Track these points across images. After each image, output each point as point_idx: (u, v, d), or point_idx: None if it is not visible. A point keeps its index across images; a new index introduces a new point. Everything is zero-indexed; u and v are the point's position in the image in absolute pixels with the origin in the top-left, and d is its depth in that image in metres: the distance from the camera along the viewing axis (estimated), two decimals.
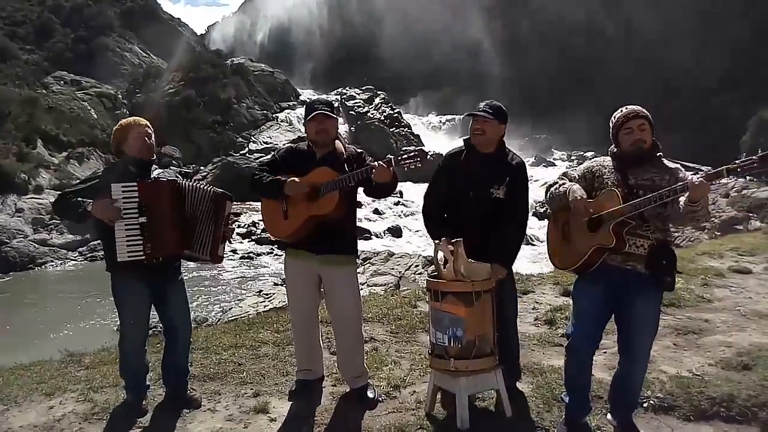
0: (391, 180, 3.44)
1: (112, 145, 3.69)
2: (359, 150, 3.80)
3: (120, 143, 3.57)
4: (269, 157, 3.86)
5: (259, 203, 3.79)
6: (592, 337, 3.24)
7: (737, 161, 2.75)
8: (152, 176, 3.58)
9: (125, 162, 3.55)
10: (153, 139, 3.62)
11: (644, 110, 3.12)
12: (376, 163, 3.41)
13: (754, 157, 2.67)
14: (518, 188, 3.62)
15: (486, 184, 3.57)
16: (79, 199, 3.33)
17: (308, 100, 4.23)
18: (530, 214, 4.10)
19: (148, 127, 3.61)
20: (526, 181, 3.71)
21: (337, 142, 3.70)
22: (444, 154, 3.86)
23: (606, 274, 3.10)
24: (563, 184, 3.21)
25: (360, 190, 3.67)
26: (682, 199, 2.89)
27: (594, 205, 3.08)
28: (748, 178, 20.00)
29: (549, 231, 3.38)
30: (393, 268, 11.53)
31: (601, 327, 3.25)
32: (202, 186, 3.60)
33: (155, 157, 3.71)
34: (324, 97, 31.79)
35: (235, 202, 3.65)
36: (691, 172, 2.98)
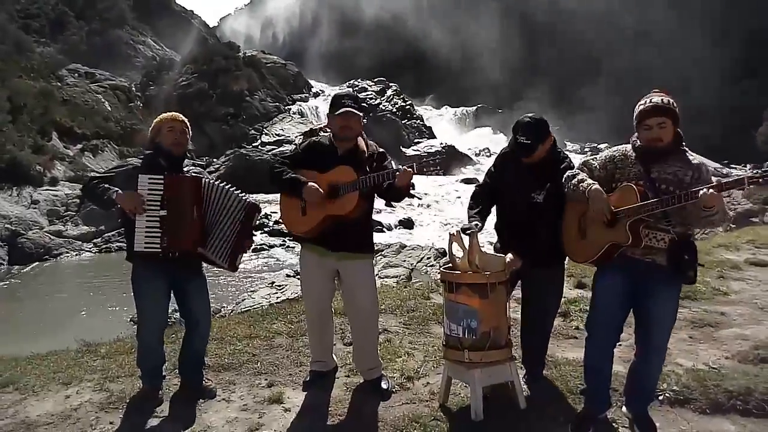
0: (408, 186, 3.42)
1: (148, 136, 3.73)
2: (381, 149, 3.73)
3: (155, 135, 3.61)
4: (291, 148, 3.84)
5: (270, 195, 3.78)
6: (612, 328, 3.20)
7: (760, 171, 2.70)
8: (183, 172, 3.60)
9: (157, 154, 3.58)
10: (187, 135, 3.64)
11: (669, 103, 2.98)
12: (399, 167, 3.38)
13: None
14: (556, 189, 3.44)
15: (528, 190, 3.51)
16: (107, 186, 3.36)
17: (334, 93, 4.18)
18: None
19: (184, 122, 3.63)
20: None
21: (359, 138, 3.67)
22: (498, 153, 3.87)
23: (627, 265, 3.06)
24: (583, 180, 3.12)
25: None
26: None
27: (611, 200, 3.02)
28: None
29: (564, 220, 3.34)
30: (405, 260, 11.51)
31: (622, 318, 3.21)
32: (233, 190, 3.56)
33: (187, 153, 3.72)
34: (350, 90, 31.48)
35: (246, 194, 3.64)
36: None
